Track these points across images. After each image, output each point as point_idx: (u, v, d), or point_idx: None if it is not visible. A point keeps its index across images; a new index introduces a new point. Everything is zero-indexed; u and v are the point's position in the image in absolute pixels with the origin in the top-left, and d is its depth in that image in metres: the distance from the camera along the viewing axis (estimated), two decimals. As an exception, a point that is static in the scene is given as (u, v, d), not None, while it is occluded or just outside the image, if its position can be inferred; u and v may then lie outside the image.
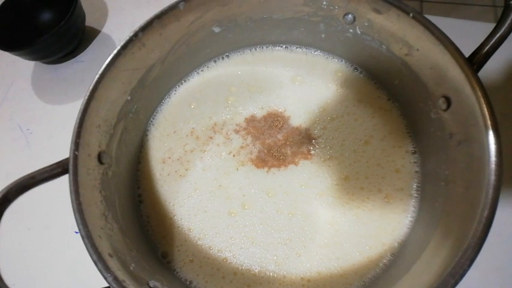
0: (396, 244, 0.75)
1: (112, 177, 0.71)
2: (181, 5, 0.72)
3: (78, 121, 0.62)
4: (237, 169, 0.83)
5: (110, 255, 0.58)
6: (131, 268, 0.62)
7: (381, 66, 0.82)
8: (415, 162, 0.79)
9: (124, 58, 0.69)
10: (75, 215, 0.57)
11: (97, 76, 0.65)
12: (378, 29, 0.75)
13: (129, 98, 0.75)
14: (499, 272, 0.81)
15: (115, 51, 0.68)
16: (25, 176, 0.58)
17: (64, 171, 0.60)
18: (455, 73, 0.61)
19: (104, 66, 0.66)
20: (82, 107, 0.62)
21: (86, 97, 0.63)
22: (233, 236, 0.77)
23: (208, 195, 0.81)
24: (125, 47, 0.69)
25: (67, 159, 0.60)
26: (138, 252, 0.69)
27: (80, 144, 0.62)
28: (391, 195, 0.78)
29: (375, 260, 0.75)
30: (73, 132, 0.61)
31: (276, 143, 0.84)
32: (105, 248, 0.58)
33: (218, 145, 0.85)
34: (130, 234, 0.71)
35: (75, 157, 0.60)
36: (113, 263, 0.57)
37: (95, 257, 0.56)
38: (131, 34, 0.70)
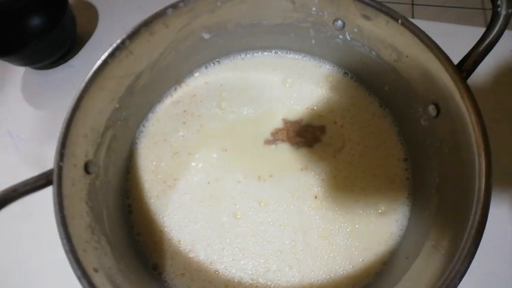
0: (388, 253, 0.75)
1: (100, 188, 0.70)
2: (169, 11, 0.70)
3: (62, 131, 0.60)
4: (229, 177, 0.81)
5: (95, 270, 0.57)
6: (118, 282, 0.61)
7: (371, 72, 0.81)
8: (406, 170, 0.79)
9: (111, 66, 0.68)
10: (58, 228, 0.56)
11: (82, 85, 0.64)
12: (367, 35, 0.74)
13: (117, 105, 0.73)
14: (491, 278, 0.80)
15: (101, 60, 0.67)
16: (6, 189, 0.56)
17: (48, 183, 0.59)
18: (445, 80, 0.61)
19: (89, 74, 0.65)
20: (67, 117, 0.61)
21: (71, 107, 0.62)
22: (225, 248, 0.76)
23: (199, 205, 0.79)
24: (111, 55, 0.68)
25: (51, 170, 0.59)
26: (126, 264, 0.68)
27: (65, 154, 0.60)
28: (386, 207, 0.78)
29: (367, 271, 0.74)
30: (57, 143, 0.60)
31: (269, 149, 0.83)
32: (89, 262, 0.57)
33: (209, 153, 0.84)
34: (119, 246, 0.70)
35: (60, 168, 0.59)
36: (97, 279, 0.56)
37: (78, 273, 0.55)
38: (118, 42, 0.69)
